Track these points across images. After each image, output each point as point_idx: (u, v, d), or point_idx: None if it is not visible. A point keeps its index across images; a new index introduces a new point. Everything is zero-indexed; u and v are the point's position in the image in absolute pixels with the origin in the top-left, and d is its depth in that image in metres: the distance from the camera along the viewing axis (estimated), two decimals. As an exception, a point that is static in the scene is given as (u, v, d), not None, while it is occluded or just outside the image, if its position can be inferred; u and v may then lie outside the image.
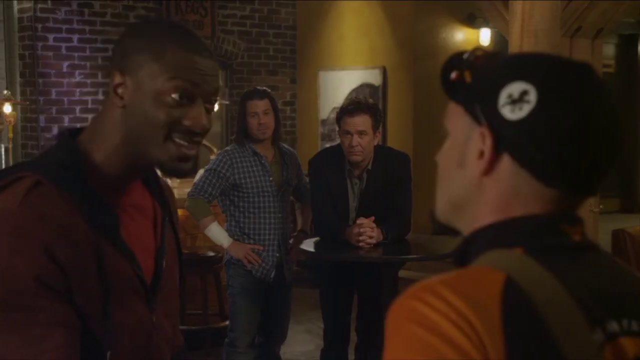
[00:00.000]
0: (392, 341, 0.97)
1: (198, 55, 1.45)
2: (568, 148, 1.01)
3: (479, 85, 1.07)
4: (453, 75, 1.10)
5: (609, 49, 10.25)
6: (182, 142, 1.44)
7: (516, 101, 1.02)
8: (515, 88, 1.03)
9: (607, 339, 0.99)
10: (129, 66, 1.45)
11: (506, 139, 1.03)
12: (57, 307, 1.32)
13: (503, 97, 1.03)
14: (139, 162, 1.47)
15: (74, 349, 1.33)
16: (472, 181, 1.08)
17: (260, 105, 4.40)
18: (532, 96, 1.02)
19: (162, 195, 1.61)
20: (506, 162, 1.05)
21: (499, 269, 0.99)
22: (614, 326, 1.01)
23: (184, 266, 1.68)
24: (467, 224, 1.10)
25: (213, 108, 1.51)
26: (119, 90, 1.45)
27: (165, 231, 1.58)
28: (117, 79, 1.45)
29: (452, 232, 1.15)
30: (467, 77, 1.09)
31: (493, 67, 1.08)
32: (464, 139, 1.09)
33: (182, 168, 1.46)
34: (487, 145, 1.05)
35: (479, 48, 1.11)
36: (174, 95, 1.42)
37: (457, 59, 1.11)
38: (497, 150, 1.04)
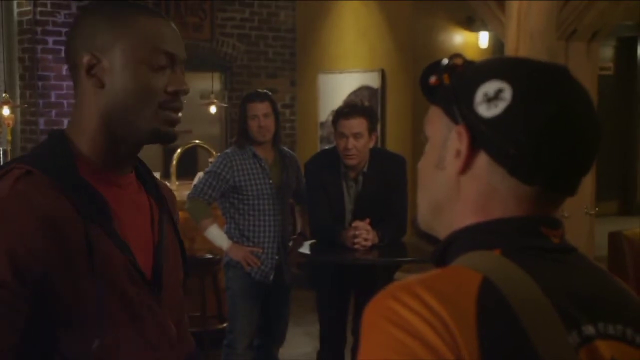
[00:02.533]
0: (367, 339, 0.97)
1: (166, 24, 1.51)
2: (541, 143, 1.03)
3: (457, 86, 1.09)
4: (432, 79, 1.12)
5: (608, 52, 10.26)
6: (170, 111, 1.49)
7: (492, 99, 1.04)
8: (490, 86, 1.05)
9: (583, 342, 1.00)
10: (102, 45, 1.46)
11: (482, 135, 1.05)
12: (17, 305, 1.34)
13: (479, 96, 1.05)
14: (121, 143, 1.50)
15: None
16: (450, 181, 1.09)
17: (260, 108, 4.41)
18: (507, 94, 1.04)
19: (158, 193, 1.62)
20: (482, 159, 1.06)
21: (476, 269, 1.00)
22: (590, 329, 1.01)
23: (188, 266, 1.68)
24: (447, 227, 1.11)
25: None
26: (93, 71, 1.47)
27: (162, 228, 1.59)
28: (90, 60, 1.46)
29: (433, 240, 1.16)
30: (446, 79, 1.11)
31: (471, 69, 1.10)
32: (442, 141, 1.11)
33: (172, 132, 1.51)
34: (464, 143, 1.06)
35: (457, 55, 1.13)
36: (155, 64, 1.46)
37: (436, 66, 1.13)
38: (474, 147, 1.06)
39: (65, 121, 7.53)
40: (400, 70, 7.90)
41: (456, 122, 1.08)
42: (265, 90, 4.73)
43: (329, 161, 4.36)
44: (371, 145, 4.30)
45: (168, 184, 6.55)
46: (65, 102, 7.57)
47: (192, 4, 8.19)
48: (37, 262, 1.35)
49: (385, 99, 7.99)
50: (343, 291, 4.46)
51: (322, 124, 8.55)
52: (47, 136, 1.53)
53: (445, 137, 1.10)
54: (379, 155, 4.41)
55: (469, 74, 1.10)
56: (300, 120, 8.96)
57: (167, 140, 1.52)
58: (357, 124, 4.20)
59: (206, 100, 7.67)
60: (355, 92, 8.17)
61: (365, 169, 4.32)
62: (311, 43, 8.78)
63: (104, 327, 1.41)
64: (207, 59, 8.25)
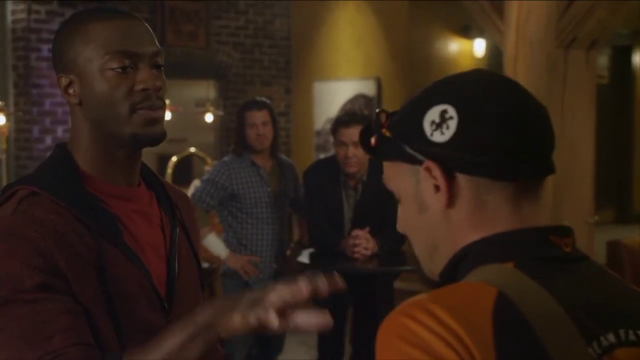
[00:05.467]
0: (381, 358, 0.96)
1: (121, 22, 1.47)
2: (507, 138, 1.03)
3: (400, 132, 1.09)
4: (373, 141, 1.13)
5: (603, 60, 10.27)
6: (146, 110, 1.45)
7: (440, 123, 1.04)
8: (433, 113, 1.05)
9: (604, 352, 0.99)
10: (68, 64, 1.47)
11: (450, 160, 1.05)
12: (58, 297, 1.33)
13: (427, 127, 1.05)
14: (113, 153, 1.48)
15: (81, 332, 1.33)
16: (438, 217, 1.08)
17: (259, 116, 4.40)
18: (452, 112, 1.04)
19: (170, 204, 1.60)
20: (462, 181, 1.06)
21: (491, 283, 0.99)
22: (610, 338, 1.00)
23: (203, 277, 1.66)
24: (446, 258, 1.10)
25: (161, 70, 1.50)
26: (70, 90, 1.47)
27: (174, 238, 1.57)
28: (64, 81, 1.47)
29: (444, 283, 1.13)
30: (386, 133, 1.11)
31: (403, 111, 1.11)
32: (413, 188, 1.10)
33: (154, 132, 1.47)
34: (437, 175, 1.05)
35: (381, 111, 1.13)
36: (116, 68, 1.43)
37: (368, 129, 1.15)
38: (448, 175, 1.05)
39: (60, 129, 7.50)
40: (396, 78, 7.89)
41: (419, 162, 1.07)
42: (263, 99, 4.72)
43: (328, 170, 4.35)
44: (371, 153, 4.28)
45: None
46: (59, 110, 7.53)
47: (187, 11, 8.17)
48: (57, 274, 1.35)
49: (381, 107, 7.97)
50: (341, 300, 4.43)
51: (318, 132, 8.53)
52: (51, 152, 1.53)
53: (414, 182, 1.09)
54: (378, 164, 4.38)
55: (405, 117, 1.10)
56: (295, 129, 8.94)
57: (150, 142, 1.48)
58: (357, 133, 4.15)
59: (202, 108, 7.65)
60: (350, 100, 8.16)
61: (364, 178, 4.31)
62: (306, 51, 8.77)
63: (115, 345, 1.40)
64: (202, 67, 8.24)
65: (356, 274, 4.29)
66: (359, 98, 8.11)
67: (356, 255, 4.17)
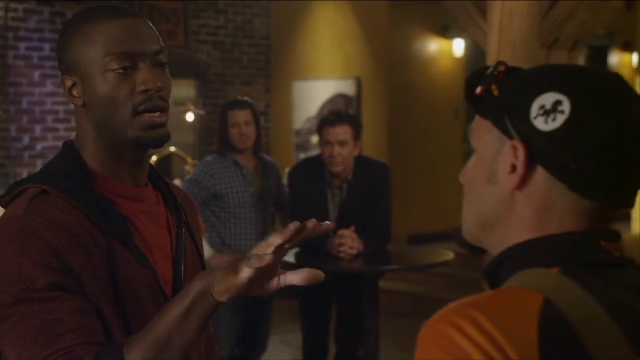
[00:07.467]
0: None
1: (122, 21, 1.44)
2: (604, 158, 0.99)
3: (508, 98, 1.04)
4: (478, 89, 1.07)
5: (580, 61, 10.35)
6: (150, 113, 1.44)
7: (549, 112, 1.00)
8: (547, 98, 1.00)
9: None
10: (71, 65, 1.46)
11: (540, 150, 1.00)
12: (69, 296, 1.33)
13: (535, 109, 1.01)
14: (118, 154, 1.48)
15: (93, 330, 1.33)
16: (503, 197, 1.04)
17: (241, 116, 4.39)
18: (566, 106, 0.99)
19: (176, 205, 1.60)
20: (540, 175, 1.02)
21: (536, 290, 0.95)
22: None
23: None
24: (498, 243, 1.06)
25: (164, 68, 1.48)
26: (74, 92, 1.47)
27: (181, 239, 1.56)
28: (68, 82, 1.47)
29: (476, 250, 1.12)
30: (494, 90, 1.05)
31: (521, 79, 1.05)
32: (492, 154, 1.05)
33: (157, 135, 1.46)
34: (520, 158, 1.01)
35: (501, 62, 1.08)
36: (116, 69, 1.42)
37: (481, 74, 1.08)
38: (530, 162, 1.01)
39: (37, 128, 7.44)
40: (376, 78, 7.91)
41: (509, 136, 1.03)
42: (246, 98, 4.70)
43: (313, 169, 4.35)
44: (356, 153, 4.29)
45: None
46: (37, 108, 7.47)
47: (165, 10, 8.13)
48: (69, 274, 1.35)
49: (360, 106, 7.99)
50: (326, 300, 4.44)
51: (297, 132, 8.53)
52: (60, 150, 1.51)
53: (496, 150, 1.05)
54: (363, 163, 4.40)
55: (520, 85, 1.04)
56: (274, 128, 8.93)
57: (153, 145, 1.47)
58: (343, 132, 4.19)
59: (181, 107, 7.61)
60: (330, 100, 8.16)
61: (349, 177, 4.31)
62: (286, 50, 8.76)
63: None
64: (181, 66, 8.19)
65: (341, 273, 4.29)
66: (339, 97, 8.12)
67: (341, 255, 4.17)
